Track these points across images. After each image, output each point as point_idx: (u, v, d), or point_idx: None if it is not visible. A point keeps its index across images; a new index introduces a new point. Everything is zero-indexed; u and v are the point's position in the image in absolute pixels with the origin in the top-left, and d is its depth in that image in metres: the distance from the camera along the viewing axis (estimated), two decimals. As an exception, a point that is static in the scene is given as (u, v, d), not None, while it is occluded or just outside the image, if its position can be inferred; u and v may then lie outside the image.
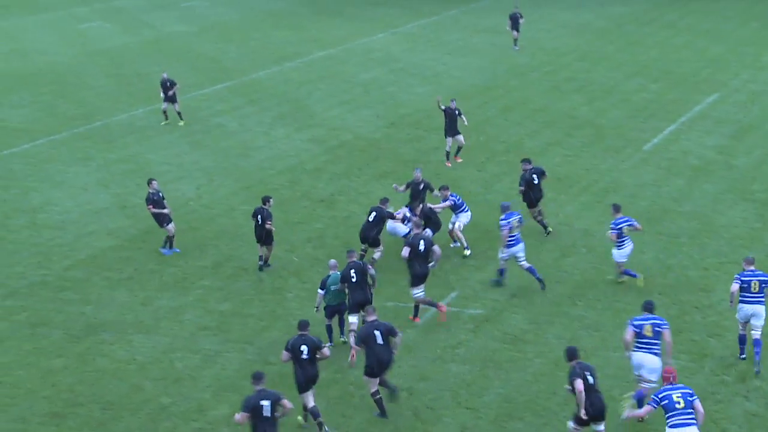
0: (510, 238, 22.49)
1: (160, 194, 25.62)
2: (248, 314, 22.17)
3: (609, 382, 18.70)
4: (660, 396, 15.48)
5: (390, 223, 24.56)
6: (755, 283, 18.90)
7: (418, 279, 21.15)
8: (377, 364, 17.57)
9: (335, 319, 20.55)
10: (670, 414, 15.34)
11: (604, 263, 24.13)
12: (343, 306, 20.17)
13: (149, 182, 25.82)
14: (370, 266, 20.56)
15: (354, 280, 19.78)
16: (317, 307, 20.42)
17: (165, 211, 25.35)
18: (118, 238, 26.91)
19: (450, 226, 25.07)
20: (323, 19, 61.92)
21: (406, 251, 21.03)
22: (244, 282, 23.94)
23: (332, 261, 20.76)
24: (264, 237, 24.20)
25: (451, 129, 31.60)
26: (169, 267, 24.95)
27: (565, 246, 25.31)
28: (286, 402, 15.62)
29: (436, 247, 21.34)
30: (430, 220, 24.22)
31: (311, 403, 17.27)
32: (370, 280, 20.13)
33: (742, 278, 18.97)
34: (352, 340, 19.46)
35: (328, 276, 20.22)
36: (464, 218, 24.98)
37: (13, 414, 18.54)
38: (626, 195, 28.93)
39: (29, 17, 67.25)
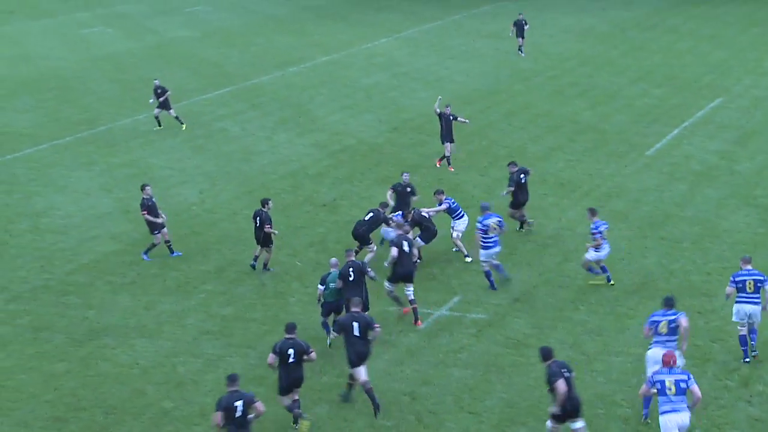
0: (487, 240, 22.72)
1: (154, 200, 25.63)
2: (251, 319, 22.17)
3: (612, 387, 18.71)
4: (654, 379, 15.77)
5: (384, 228, 24.64)
6: (750, 283, 18.99)
7: (398, 277, 21.45)
8: (354, 355, 17.84)
9: (332, 319, 20.72)
10: (662, 399, 15.64)
11: (606, 268, 24.09)
12: (342, 302, 20.45)
13: (143, 188, 25.83)
14: (369, 269, 20.73)
15: (351, 279, 20.14)
16: (319, 300, 20.80)
17: (159, 220, 25.32)
18: (121, 243, 26.93)
19: (451, 231, 25.07)
20: (326, 24, 62.00)
21: (394, 251, 21.31)
22: (247, 286, 23.95)
23: (333, 259, 21.12)
24: (262, 239, 24.26)
25: (447, 135, 31.68)
26: (171, 271, 24.96)
27: (568, 251, 25.29)
28: (259, 404, 15.80)
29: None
30: (421, 225, 24.19)
31: (287, 402, 17.51)
32: (368, 280, 20.55)
33: (737, 278, 19.10)
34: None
35: (329, 273, 20.57)
36: (461, 225, 24.88)
37: (16, 418, 18.54)
38: (629, 200, 28.93)
39: (33, 22, 67.38)
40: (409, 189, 25.65)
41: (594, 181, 30.70)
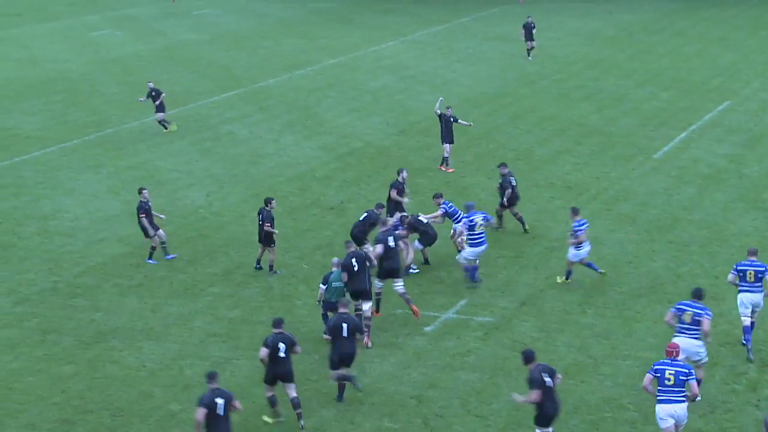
0: (475, 237, 23.05)
1: (150, 204, 25.67)
2: (258, 321, 22.17)
3: (619, 390, 18.68)
4: (656, 368, 16.04)
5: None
6: (750, 273, 19.44)
7: (385, 273, 21.62)
8: (339, 356, 18.25)
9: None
10: (660, 389, 15.93)
11: (614, 271, 24.10)
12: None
13: (140, 191, 25.88)
14: (371, 255, 21.12)
15: (356, 269, 20.44)
16: (319, 301, 21.03)
17: (151, 231, 25.34)
18: (129, 245, 26.97)
19: (452, 234, 25.08)
20: (333, 28, 62.06)
21: (379, 248, 21.49)
22: (254, 289, 23.97)
23: (335, 259, 21.24)
24: (263, 238, 24.32)
25: (447, 136, 31.80)
26: (178, 274, 25.00)
27: (575, 254, 25.25)
28: (236, 402, 16.10)
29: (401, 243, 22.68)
30: (418, 230, 24.21)
31: (269, 393, 17.81)
32: (371, 269, 20.95)
33: (738, 267, 19.64)
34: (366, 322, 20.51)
35: (331, 272, 20.76)
36: (461, 228, 24.85)
37: (24, 420, 18.58)
38: (636, 203, 28.89)
39: (41, 25, 67.56)
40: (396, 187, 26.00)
41: (601, 185, 30.67)
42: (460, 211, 24.79)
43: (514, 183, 26.44)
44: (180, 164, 34.36)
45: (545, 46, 51.54)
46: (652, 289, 23.09)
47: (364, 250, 24.06)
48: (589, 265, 23.33)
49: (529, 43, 49.03)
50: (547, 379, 15.92)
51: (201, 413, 15.80)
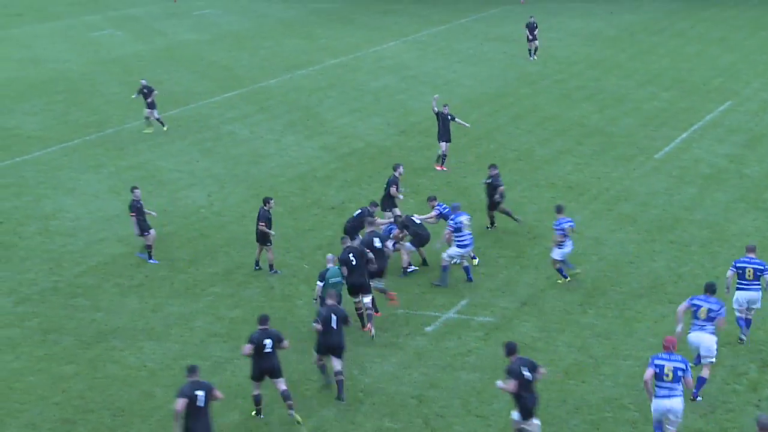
0: (461, 238, 23.28)
1: (142, 203, 25.70)
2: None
3: (620, 390, 18.68)
4: (655, 362, 16.23)
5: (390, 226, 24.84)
6: (750, 270, 19.57)
7: (371, 274, 21.75)
8: (326, 345, 18.67)
9: None
10: (658, 383, 16.17)
11: (615, 271, 24.11)
12: (339, 298, 20.73)
13: (132, 190, 25.91)
14: (367, 250, 21.38)
15: (354, 263, 20.84)
16: (315, 299, 21.10)
17: (136, 231, 25.31)
18: (129, 245, 26.96)
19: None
20: (334, 28, 62.06)
21: (330, 257, 21.59)
22: (255, 289, 23.98)
23: (330, 255, 21.49)
24: (259, 237, 24.40)
25: (444, 134, 31.89)
26: (179, 274, 25.01)
27: (576, 254, 25.21)
28: (217, 393, 16.32)
29: (388, 242, 22.91)
30: (409, 230, 24.26)
31: (255, 391, 18.00)
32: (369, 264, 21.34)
33: (737, 265, 19.75)
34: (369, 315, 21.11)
35: (327, 269, 20.89)
36: (447, 230, 24.80)
37: (24, 420, 18.59)
38: (637, 203, 28.89)
39: (42, 25, 67.57)
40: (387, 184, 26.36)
41: (602, 185, 30.66)
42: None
43: (501, 184, 26.63)
44: (181, 164, 34.37)
45: (546, 47, 51.52)
46: (653, 289, 23.09)
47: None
48: (559, 270, 23.42)
49: (531, 43, 49.01)
50: (526, 373, 16.11)
51: (180, 403, 15.97)
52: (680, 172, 31.57)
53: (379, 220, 23.88)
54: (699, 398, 18.03)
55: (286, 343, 17.98)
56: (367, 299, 21.19)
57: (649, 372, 16.24)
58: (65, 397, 19.28)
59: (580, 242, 25.99)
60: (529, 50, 49.29)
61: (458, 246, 23.44)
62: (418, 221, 24.38)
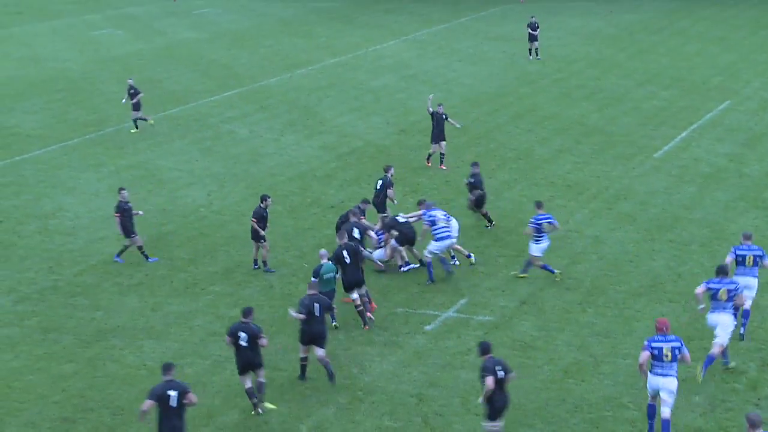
0: (439, 231, 23.48)
1: (130, 204, 25.66)
2: (258, 320, 22.00)
3: (619, 389, 18.68)
4: (652, 345, 16.50)
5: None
6: (750, 257, 19.81)
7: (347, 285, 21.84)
8: (309, 334, 18.90)
9: None
10: (656, 363, 16.47)
11: (614, 270, 24.11)
12: (332, 294, 21.04)
13: (119, 191, 25.87)
14: (362, 247, 21.74)
15: (348, 261, 21.19)
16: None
17: (128, 234, 25.32)
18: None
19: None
20: (334, 27, 62.05)
21: (323, 252, 21.71)
22: (254, 288, 23.98)
23: (323, 251, 21.64)
24: (252, 234, 24.58)
25: (438, 134, 31.92)
26: (179, 273, 25.01)
27: (575, 253, 25.28)
28: (191, 395, 16.14)
29: (371, 233, 23.25)
30: (395, 229, 24.26)
31: (248, 384, 18.08)
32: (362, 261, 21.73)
33: (738, 252, 19.95)
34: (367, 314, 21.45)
35: (321, 265, 21.05)
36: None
37: (24, 419, 18.59)
38: (637, 202, 28.89)
39: (42, 24, 67.56)
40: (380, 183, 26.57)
41: (602, 184, 30.66)
42: (445, 213, 24.91)
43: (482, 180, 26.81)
44: (180, 163, 34.37)
45: (546, 46, 51.51)
46: (653, 288, 23.09)
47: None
48: (528, 264, 23.55)
49: (532, 43, 48.99)
50: (500, 372, 16.22)
51: (146, 404, 15.88)
52: (680, 171, 31.57)
53: (354, 209, 23.94)
54: (704, 374, 18.51)
55: (263, 341, 17.96)
56: (361, 292, 21.46)
57: (644, 355, 16.51)
58: (65, 396, 19.28)
59: (579, 241, 26.03)
60: (530, 50, 49.27)
61: (436, 240, 23.55)
62: (403, 220, 24.45)
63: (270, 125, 39.00)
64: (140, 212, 26.46)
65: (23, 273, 25.39)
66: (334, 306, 19.46)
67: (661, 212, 28.06)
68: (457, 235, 24.38)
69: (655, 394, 16.77)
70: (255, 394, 18.15)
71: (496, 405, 16.31)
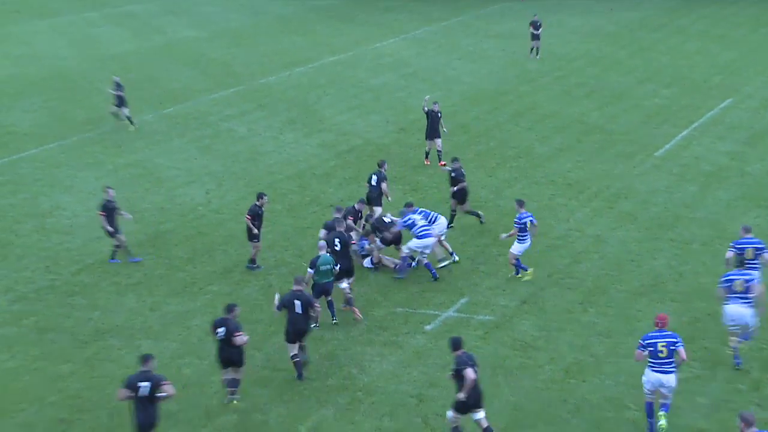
0: (419, 230, 23.46)
1: (115, 204, 25.51)
2: (256, 320, 22.03)
3: (620, 390, 18.55)
4: (646, 342, 16.53)
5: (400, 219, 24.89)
6: (750, 250, 19.80)
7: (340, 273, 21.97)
8: (293, 330, 19.06)
9: (323, 301, 21.25)
10: (652, 361, 16.48)
11: (615, 270, 23.98)
12: (330, 285, 21.16)
13: (106, 189, 25.71)
14: (354, 240, 22.10)
15: (338, 248, 21.60)
16: (306, 283, 20.97)
17: (110, 228, 25.09)
18: (128, 244, 26.78)
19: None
20: (333, 25, 61.90)
21: (321, 243, 21.73)
22: (253, 287, 23.84)
23: (321, 242, 21.72)
24: (247, 232, 24.46)
25: (432, 132, 32.03)
26: (177, 272, 24.86)
27: (576, 252, 25.14)
28: (167, 387, 16.13)
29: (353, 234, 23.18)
30: (379, 230, 24.28)
31: (228, 376, 18.35)
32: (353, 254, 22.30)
33: (737, 246, 19.97)
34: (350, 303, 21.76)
35: (318, 257, 21.12)
36: (438, 228, 24.35)
37: (20, 419, 18.45)
38: (638, 201, 28.75)
39: (40, 22, 67.38)
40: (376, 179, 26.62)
41: (603, 182, 30.52)
42: (431, 213, 24.69)
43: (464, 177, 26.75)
44: (179, 161, 34.22)
45: (546, 44, 51.36)
46: (654, 287, 22.96)
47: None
48: (518, 264, 23.36)
49: (534, 42, 48.82)
50: (474, 367, 16.33)
51: (120, 393, 16.04)
52: (681, 170, 31.43)
53: (353, 235, 23.74)
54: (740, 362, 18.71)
55: (238, 339, 17.95)
56: (348, 283, 21.74)
57: (639, 354, 16.54)
58: (61, 397, 19.14)
59: (581, 240, 25.89)
60: (531, 49, 49.12)
61: (417, 237, 23.53)
62: (388, 221, 24.37)
63: (269, 123, 38.85)
64: (129, 216, 26.12)
65: (20, 272, 25.24)
66: (316, 303, 19.41)
67: (663, 211, 27.92)
68: (441, 233, 24.33)
69: (654, 390, 16.67)
70: (234, 387, 18.35)
71: (467, 399, 16.35)
